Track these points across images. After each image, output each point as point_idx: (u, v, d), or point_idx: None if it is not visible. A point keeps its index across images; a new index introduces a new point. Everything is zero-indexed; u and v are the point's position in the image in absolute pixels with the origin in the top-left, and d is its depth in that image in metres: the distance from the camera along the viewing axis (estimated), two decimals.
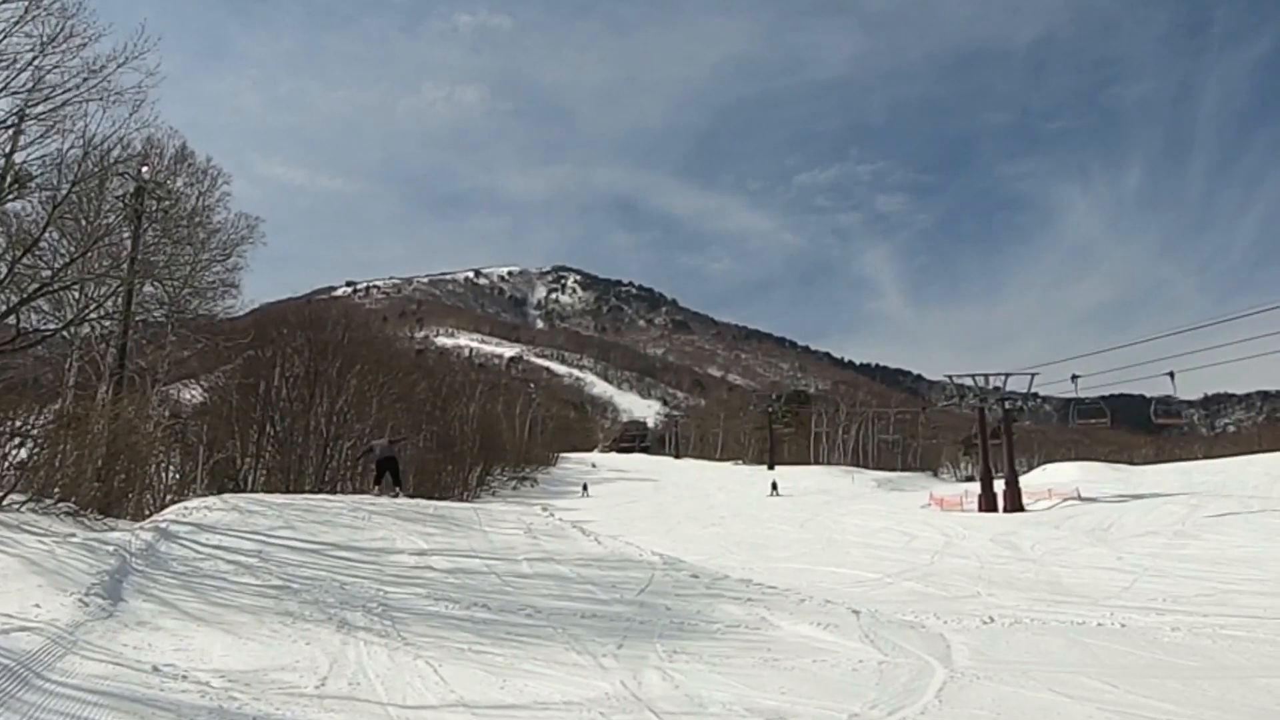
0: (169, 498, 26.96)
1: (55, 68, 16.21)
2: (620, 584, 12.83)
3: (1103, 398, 42.39)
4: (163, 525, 14.08)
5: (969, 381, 47.74)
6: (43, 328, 23.02)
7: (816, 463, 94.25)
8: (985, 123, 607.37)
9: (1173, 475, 52.17)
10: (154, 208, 26.81)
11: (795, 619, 10.75)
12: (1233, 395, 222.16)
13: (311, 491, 33.64)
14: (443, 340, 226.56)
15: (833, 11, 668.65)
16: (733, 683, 7.64)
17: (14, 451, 16.81)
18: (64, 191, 17.97)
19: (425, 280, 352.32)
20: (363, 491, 28.14)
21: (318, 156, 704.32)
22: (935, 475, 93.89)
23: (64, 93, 16.44)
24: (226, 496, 19.48)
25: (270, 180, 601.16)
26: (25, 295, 18.49)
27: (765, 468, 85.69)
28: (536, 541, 16.86)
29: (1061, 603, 14.74)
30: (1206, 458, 75.00)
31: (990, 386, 46.58)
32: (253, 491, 30.04)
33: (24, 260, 18.43)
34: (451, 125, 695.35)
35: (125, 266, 24.07)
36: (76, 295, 24.11)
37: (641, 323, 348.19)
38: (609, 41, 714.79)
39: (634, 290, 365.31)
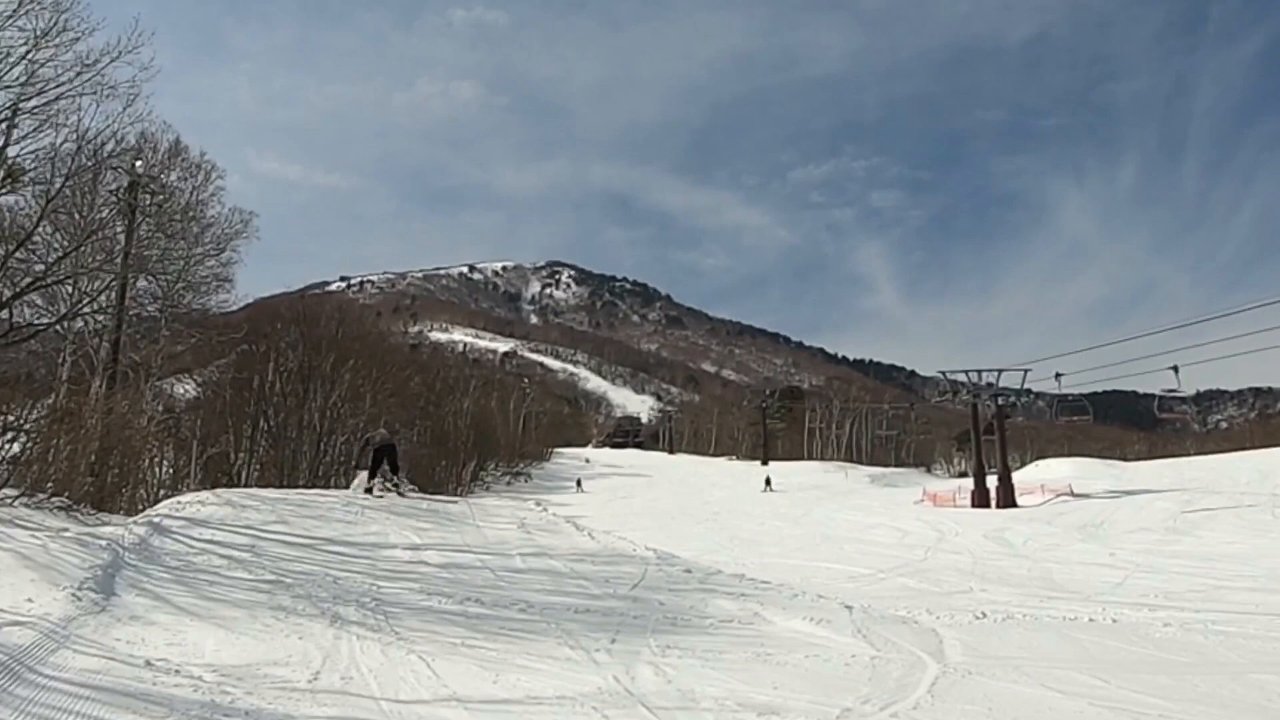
0: (162, 492, 26.89)
1: (49, 62, 16.24)
2: (613, 579, 12.85)
3: (1095, 394, 42.48)
4: (156, 520, 14.08)
5: (962, 377, 47.82)
6: (36, 322, 22.99)
7: (810, 458, 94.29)
8: (980, 119, 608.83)
9: (1165, 471, 52.20)
10: (148, 202, 26.79)
11: (788, 614, 10.77)
12: (1225, 392, 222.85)
13: (305, 487, 33.62)
14: (437, 335, 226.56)
15: (828, 8, 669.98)
16: (725, 678, 7.64)
17: (7, 446, 16.81)
18: (57, 186, 17.97)
19: (419, 275, 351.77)
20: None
21: (312, 152, 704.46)
22: (928, 471, 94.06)
23: (57, 87, 16.46)
24: (220, 491, 19.48)
25: (264, 175, 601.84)
26: (18, 289, 18.50)
27: (759, 463, 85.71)
28: (530, 536, 16.89)
29: (1054, 598, 14.77)
30: (1199, 454, 75.11)
31: (983, 382, 46.64)
32: (246, 486, 29.93)
33: (17, 254, 18.44)
34: (446, 120, 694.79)
35: (119, 261, 24.00)
36: (70, 290, 24.07)
37: (636, 318, 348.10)
38: (604, 37, 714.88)
39: (628, 286, 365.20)
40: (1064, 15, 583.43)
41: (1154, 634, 10.50)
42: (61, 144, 17.33)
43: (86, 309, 24.27)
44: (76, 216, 23.46)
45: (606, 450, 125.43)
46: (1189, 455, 74.27)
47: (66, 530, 11.72)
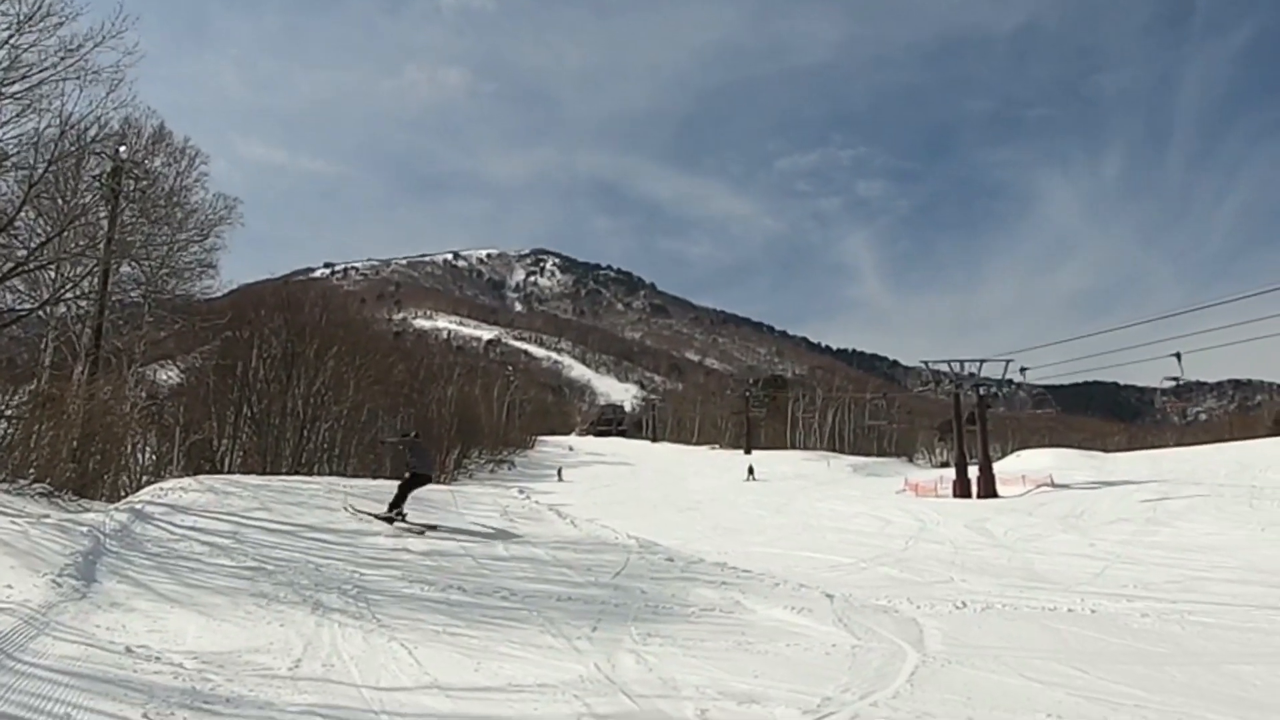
0: (145, 479, 26.80)
1: (32, 46, 16.17)
2: (595, 567, 12.89)
3: (1076, 385, 42.68)
4: (138, 506, 14.06)
5: (945, 368, 47.95)
6: (18, 307, 22.90)
7: (793, 447, 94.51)
8: (967, 110, 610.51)
9: (1144, 463, 52.47)
10: (131, 187, 26.64)
11: (769, 603, 10.82)
12: (1204, 384, 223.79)
13: (288, 473, 33.54)
14: (421, 322, 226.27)
15: None
16: (707, 666, 7.69)
17: None
18: (40, 170, 17.84)
19: (404, 262, 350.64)
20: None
21: (298, 138, 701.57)
22: (911, 461, 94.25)
23: (40, 71, 16.39)
24: (202, 478, 19.45)
25: (249, 161, 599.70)
26: (0, 275, 18.36)
27: (742, 452, 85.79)
28: (512, 524, 16.91)
29: (1033, 588, 14.84)
30: (1178, 445, 75.50)
31: (966, 373, 46.79)
32: (230, 473, 29.90)
33: None
34: (433, 107, 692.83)
35: (102, 246, 23.87)
36: (52, 275, 23.94)
37: (620, 306, 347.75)
38: (592, 25, 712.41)
39: (613, 274, 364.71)
40: (1052, 6, 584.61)
41: (1132, 624, 10.59)
42: (45, 129, 17.24)
43: (69, 294, 24.12)
44: (59, 202, 23.33)
45: (590, 438, 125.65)
46: (1168, 447, 74.58)
47: (48, 516, 11.68)
